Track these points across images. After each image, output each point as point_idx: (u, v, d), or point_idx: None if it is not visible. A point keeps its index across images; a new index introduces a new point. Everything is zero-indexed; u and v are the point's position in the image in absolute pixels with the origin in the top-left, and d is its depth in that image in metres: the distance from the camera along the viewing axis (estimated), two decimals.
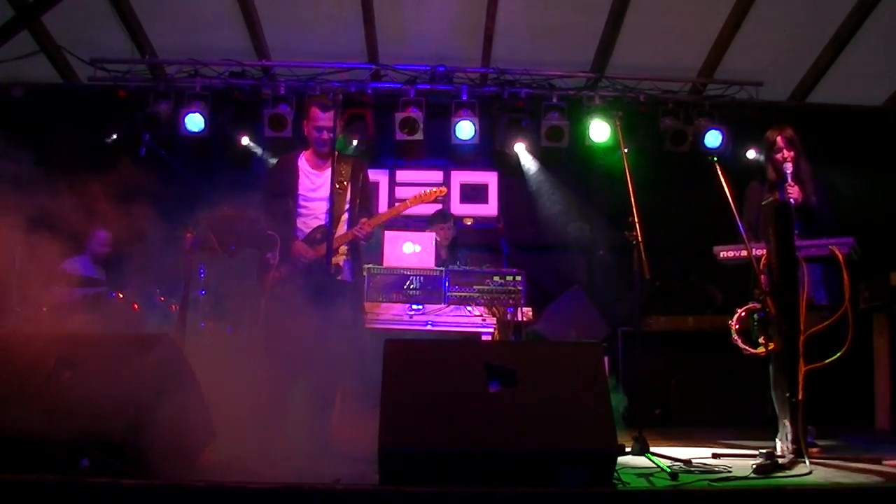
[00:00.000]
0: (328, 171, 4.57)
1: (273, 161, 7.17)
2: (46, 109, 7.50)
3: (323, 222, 4.58)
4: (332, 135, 4.62)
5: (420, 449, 2.93)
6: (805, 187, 4.71)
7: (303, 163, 4.74)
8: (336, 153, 4.62)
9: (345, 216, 4.71)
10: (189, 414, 3.31)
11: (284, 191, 4.66)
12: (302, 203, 4.66)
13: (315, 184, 4.68)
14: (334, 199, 4.55)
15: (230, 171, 7.49)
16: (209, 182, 6.80)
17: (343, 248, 4.66)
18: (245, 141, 7.59)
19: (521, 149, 7.80)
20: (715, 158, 4.44)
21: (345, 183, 4.71)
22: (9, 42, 6.92)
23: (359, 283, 4.90)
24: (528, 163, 7.97)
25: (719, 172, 4.28)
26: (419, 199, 4.97)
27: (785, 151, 4.76)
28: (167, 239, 5.57)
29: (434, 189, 5.04)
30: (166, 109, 7.13)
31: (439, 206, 6.99)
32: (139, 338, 3.46)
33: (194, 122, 7.20)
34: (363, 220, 4.65)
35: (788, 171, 4.69)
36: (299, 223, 4.64)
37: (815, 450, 4.16)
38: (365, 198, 4.85)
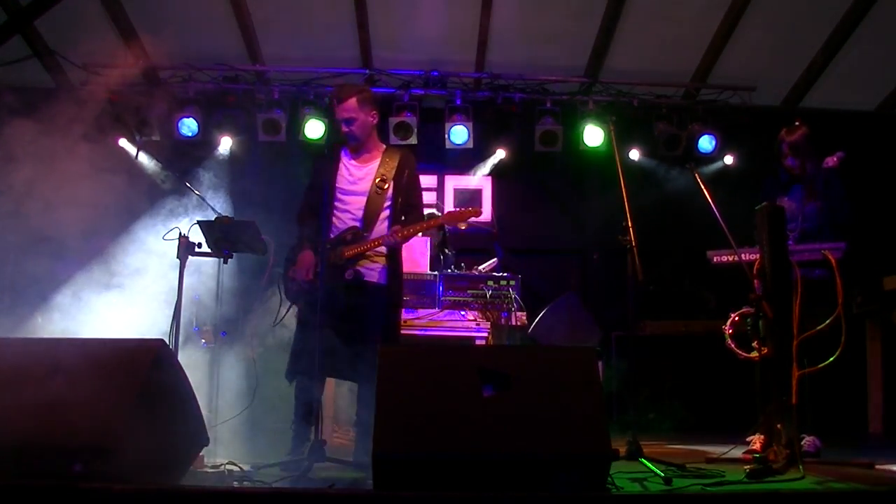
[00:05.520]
0: (373, 165, 4.44)
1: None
2: (39, 114, 7.46)
3: (358, 220, 4.38)
4: (351, 127, 4.38)
5: (414, 454, 2.92)
6: (812, 188, 4.77)
7: (346, 153, 4.50)
8: (384, 146, 4.58)
9: (384, 214, 4.43)
10: (181, 418, 3.30)
11: (322, 182, 4.36)
12: (339, 197, 4.40)
13: (355, 176, 4.45)
14: (372, 195, 4.39)
15: (224, 175, 7.46)
16: (202, 186, 6.76)
17: (381, 250, 4.38)
18: (226, 144, 7.55)
19: (514, 153, 7.80)
20: (691, 164, 4.50)
21: (387, 178, 4.45)
22: (1, 46, 6.89)
23: (393, 287, 4.43)
24: (522, 168, 7.97)
25: (697, 178, 4.35)
26: (451, 216, 4.72)
27: (790, 159, 4.83)
28: (160, 242, 5.54)
29: (469, 209, 4.72)
30: (160, 114, 7.12)
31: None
32: (132, 342, 3.44)
33: (188, 126, 7.24)
34: (396, 227, 4.32)
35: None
36: (333, 219, 4.37)
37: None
38: (409, 195, 4.53)
